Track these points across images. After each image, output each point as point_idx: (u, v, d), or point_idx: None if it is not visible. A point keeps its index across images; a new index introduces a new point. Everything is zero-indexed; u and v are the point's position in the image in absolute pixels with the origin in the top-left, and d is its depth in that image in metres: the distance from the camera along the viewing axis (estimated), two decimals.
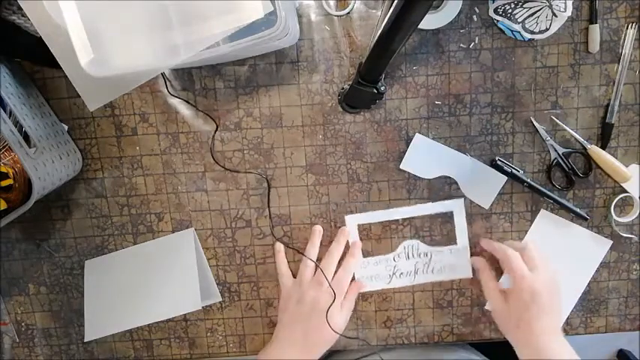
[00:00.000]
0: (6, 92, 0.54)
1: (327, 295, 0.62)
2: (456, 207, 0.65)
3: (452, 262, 0.66)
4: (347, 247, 0.65)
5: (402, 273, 0.66)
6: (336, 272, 0.64)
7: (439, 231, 0.65)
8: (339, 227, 0.65)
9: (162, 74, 0.62)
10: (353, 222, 0.65)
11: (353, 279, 0.66)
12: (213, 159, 0.64)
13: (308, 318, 0.62)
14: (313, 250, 0.64)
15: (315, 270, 0.64)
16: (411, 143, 0.63)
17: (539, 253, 0.60)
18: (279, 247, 0.66)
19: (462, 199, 0.64)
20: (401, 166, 0.63)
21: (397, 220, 0.65)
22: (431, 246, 0.66)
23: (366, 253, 0.66)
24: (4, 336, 0.71)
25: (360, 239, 0.66)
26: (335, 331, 0.62)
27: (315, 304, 0.62)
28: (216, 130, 0.63)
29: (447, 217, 0.65)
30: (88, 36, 0.43)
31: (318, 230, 0.65)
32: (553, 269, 0.59)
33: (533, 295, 0.56)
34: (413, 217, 0.65)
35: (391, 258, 0.66)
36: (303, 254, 0.64)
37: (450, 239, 0.65)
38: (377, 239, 0.66)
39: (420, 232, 0.65)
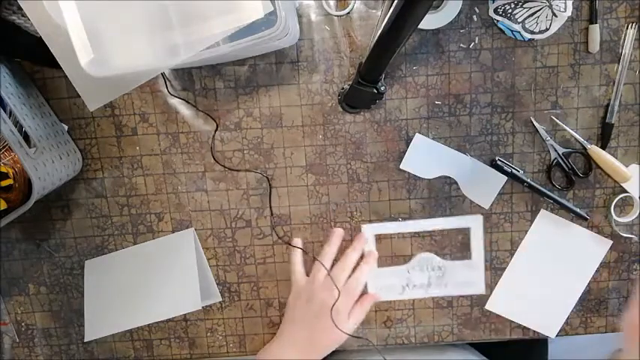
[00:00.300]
0: (6, 92, 0.54)
1: (337, 300, 0.61)
2: (474, 223, 0.65)
3: (466, 278, 0.66)
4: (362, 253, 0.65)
5: (415, 285, 0.66)
6: (350, 278, 0.64)
7: (455, 244, 0.65)
8: (358, 234, 0.65)
9: (162, 74, 0.62)
10: (370, 232, 0.65)
11: (366, 289, 0.66)
12: (214, 158, 0.64)
13: (315, 318, 0.62)
14: (330, 252, 0.64)
15: (328, 273, 0.64)
16: (411, 143, 0.63)
17: None
18: (297, 243, 0.65)
19: (481, 216, 0.64)
20: (401, 166, 0.63)
21: (413, 233, 0.65)
22: (445, 260, 0.65)
23: (380, 263, 0.66)
24: (4, 336, 0.71)
25: (375, 249, 0.66)
26: (344, 332, 0.61)
27: (324, 306, 0.61)
28: (217, 129, 0.63)
29: (464, 231, 0.65)
30: (88, 36, 0.43)
31: (338, 233, 0.65)
32: None
33: None
34: (429, 231, 0.65)
35: (405, 270, 0.66)
36: (316, 258, 0.64)
37: (465, 254, 0.65)
38: (391, 250, 0.66)
39: (436, 244, 0.65)
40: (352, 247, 0.64)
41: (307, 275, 0.65)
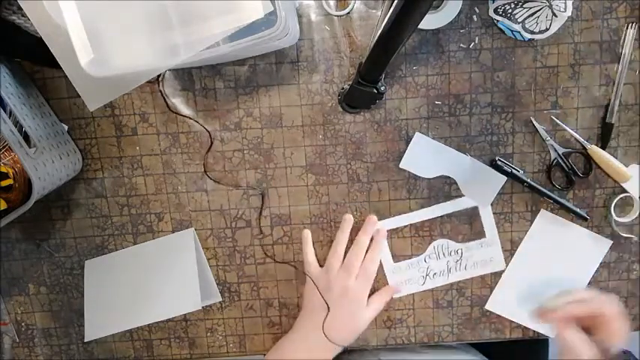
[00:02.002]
0: (6, 92, 0.54)
1: (356, 284, 0.62)
2: None
3: (484, 257, 0.66)
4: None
5: (435, 273, 0.66)
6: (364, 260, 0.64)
7: (467, 227, 0.65)
8: (369, 216, 0.65)
9: (161, 92, 0.62)
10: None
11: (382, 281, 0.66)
12: (206, 174, 0.64)
13: (335, 305, 0.62)
14: (343, 238, 0.64)
15: (344, 259, 0.64)
16: (411, 142, 0.63)
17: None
18: (307, 234, 0.65)
19: None
20: (400, 165, 0.63)
21: (423, 222, 0.65)
22: (460, 243, 0.66)
23: (396, 258, 0.66)
24: (4, 336, 0.71)
25: (389, 244, 0.66)
26: (362, 320, 0.62)
27: (344, 293, 0.62)
28: (211, 146, 0.63)
29: (473, 212, 0.65)
30: (88, 36, 0.43)
31: (349, 219, 0.65)
32: None
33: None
34: (439, 217, 0.65)
35: (422, 259, 0.66)
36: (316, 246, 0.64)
37: (479, 233, 0.65)
38: (405, 242, 0.66)
39: (448, 229, 0.65)
40: (363, 230, 0.64)
41: (320, 265, 0.65)
